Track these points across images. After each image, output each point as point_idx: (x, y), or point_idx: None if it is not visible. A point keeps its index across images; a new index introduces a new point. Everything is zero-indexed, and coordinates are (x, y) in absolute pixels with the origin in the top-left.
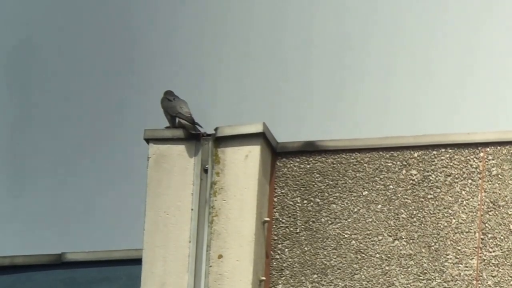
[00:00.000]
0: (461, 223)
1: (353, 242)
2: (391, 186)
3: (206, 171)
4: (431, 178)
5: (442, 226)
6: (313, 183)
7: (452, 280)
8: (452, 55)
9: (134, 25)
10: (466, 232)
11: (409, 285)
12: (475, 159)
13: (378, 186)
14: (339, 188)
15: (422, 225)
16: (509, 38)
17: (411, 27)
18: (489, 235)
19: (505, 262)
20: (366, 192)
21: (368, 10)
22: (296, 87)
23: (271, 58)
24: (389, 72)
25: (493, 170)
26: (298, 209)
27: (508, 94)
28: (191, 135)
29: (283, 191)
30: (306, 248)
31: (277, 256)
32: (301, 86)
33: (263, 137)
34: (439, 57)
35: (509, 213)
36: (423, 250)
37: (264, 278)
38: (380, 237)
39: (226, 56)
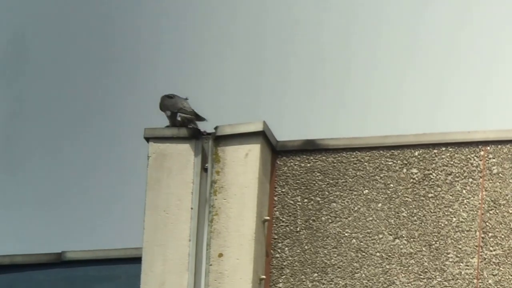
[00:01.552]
0: (461, 221)
1: (354, 240)
2: (391, 185)
3: (206, 170)
4: (431, 177)
5: (442, 225)
6: (314, 182)
7: (452, 279)
8: (453, 53)
9: (134, 24)
10: (467, 231)
11: (409, 284)
12: (475, 157)
13: (378, 185)
14: (340, 187)
15: (423, 223)
16: (510, 37)
17: (412, 25)
18: (490, 234)
19: (506, 261)
20: (367, 190)
21: (370, 9)
22: (296, 86)
23: (271, 56)
24: (389, 71)
25: (493, 169)
26: (298, 207)
27: (509, 92)
28: (193, 131)
29: (283, 189)
30: (306, 247)
31: (277, 255)
32: (301, 85)
33: (263, 136)
34: (440, 56)
35: (510, 211)
36: (423, 248)
37: (264, 276)
38: (380, 236)
39: (226, 54)
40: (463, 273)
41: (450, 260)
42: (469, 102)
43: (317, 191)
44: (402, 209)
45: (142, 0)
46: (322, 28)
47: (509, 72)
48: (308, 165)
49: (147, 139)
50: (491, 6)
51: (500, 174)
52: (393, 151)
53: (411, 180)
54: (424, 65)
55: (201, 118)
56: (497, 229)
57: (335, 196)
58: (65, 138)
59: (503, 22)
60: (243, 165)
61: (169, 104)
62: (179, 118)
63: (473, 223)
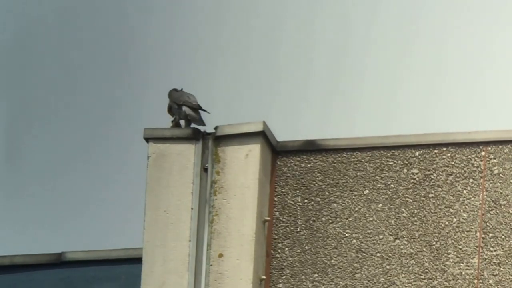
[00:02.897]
0: (462, 222)
1: (354, 241)
2: (392, 185)
3: (206, 170)
4: (432, 177)
5: (443, 225)
6: (314, 182)
7: (453, 279)
8: (454, 54)
9: (132, 23)
10: (467, 231)
11: (410, 285)
12: (476, 158)
13: (379, 185)
14: (340, 187)
15: (423, 224)
16: (511, 37)
17: (413, 26)
18: (490, 234)
19: (506, 261)
20: (367, 191)
21: (369, 7)
22: (297, 86)
23: (271, 56)
24: (390, 71)
25: (494, 169)
26: (298, 208)
27: (510, 93)
28: (193, 132)
29: (283, 190)
30: (306, 247)
31: (278, 255)
32: (302, 85)
33: (263, 136)
34: (441, 56)
35: (511, 212)
36: (424, 249)
37: (264, 277)
38: (381, 236)
39: (226, 54)
40: (463, 273)
41: (451, 261)
42: (470, 102)
43: (318, 192)
44: (403, 209)
45: (143, 1)
46: (322, 29)
47: (510, 72)
48: (309, 165)
49: (147, 140)
50: (492, 4)
51: (501, 175)
52: (393, 151)
53: (412, 180)
54: (425, 65)
55: (202, 121)
56: (497, 230)
57: (335, 196)
58: (65, 138)
59: (505, 21)
60: (243, 165)
61: (175, 96)
62: (183, 109)
63: (474, 223)
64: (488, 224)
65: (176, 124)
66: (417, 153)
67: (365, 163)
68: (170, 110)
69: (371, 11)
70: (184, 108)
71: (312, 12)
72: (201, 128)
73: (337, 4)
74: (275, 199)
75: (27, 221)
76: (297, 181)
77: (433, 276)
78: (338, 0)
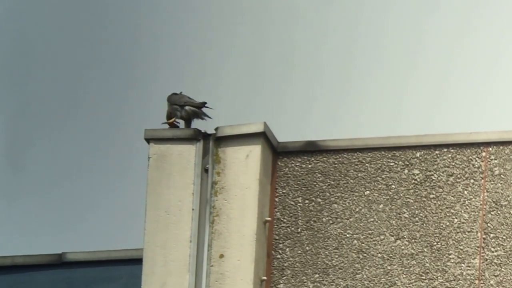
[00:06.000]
0: (463, 222)
1: (355, 241)
2: (393, 186)
3: (206, 170)
4: (433, 178)
5: (444, 226)
6: (315, 183)
7: (454, 280)
8: (455, 55)
9: (135, 24)
10: (468, 232)
11: (411, 285)
12: (477, 158)
13: (380, 186)
14: (341, 188)
15: (424, 224)
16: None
17: (415, 27)
18: (491, 235)
19: (508, 261)
20: (368, 191)
21: (373, 10)
22: (298, 87)
23: (272, 57)
24: (391, 72)
25: (495, 170)
26: (299, 208)
27: (511, 93)
28: (194, 132)
29: (284, 191)
30: (307, 248)
31: (279, 256)
32: (303, 86)
33: (264, 137)
34: (442, 58)
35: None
36: (425, 249)
37: (265, 277)
38: (382, 237)
39: (226, 55)
40: (464, 274)
41: (452, 261)
42: (470, 103)
43: (318, 192)
44: (404, 210)
45: (145, 2)
46: (324, 29)
47: (511, 73)
48: (309, 166)
49: (148, 140)
50: (493, 8)
51: (501, 175)
52: (394, 152)
53: (413, 181)
54: (426, 66)
55: (206, 115)
56: (498, 230)
57: (336, 197)
58: (66, 139)
59: (506, 23)
60: (244, 166)
61: (175, 98)
62: (186, 109)
63: (475, 224)
64: (489, 224)
65: (173, 125)
66: (418, 154)
67: (366, 164)
68: (170, 117)
69: (377, 15)
70: (187, 107)
71: (319, 14)
72: (202, 128)
73: (343, 6)
74: (276, 199)
75: (28, 221)
76: (298, 182)
77: (434, 276)
78: (345, 2)
